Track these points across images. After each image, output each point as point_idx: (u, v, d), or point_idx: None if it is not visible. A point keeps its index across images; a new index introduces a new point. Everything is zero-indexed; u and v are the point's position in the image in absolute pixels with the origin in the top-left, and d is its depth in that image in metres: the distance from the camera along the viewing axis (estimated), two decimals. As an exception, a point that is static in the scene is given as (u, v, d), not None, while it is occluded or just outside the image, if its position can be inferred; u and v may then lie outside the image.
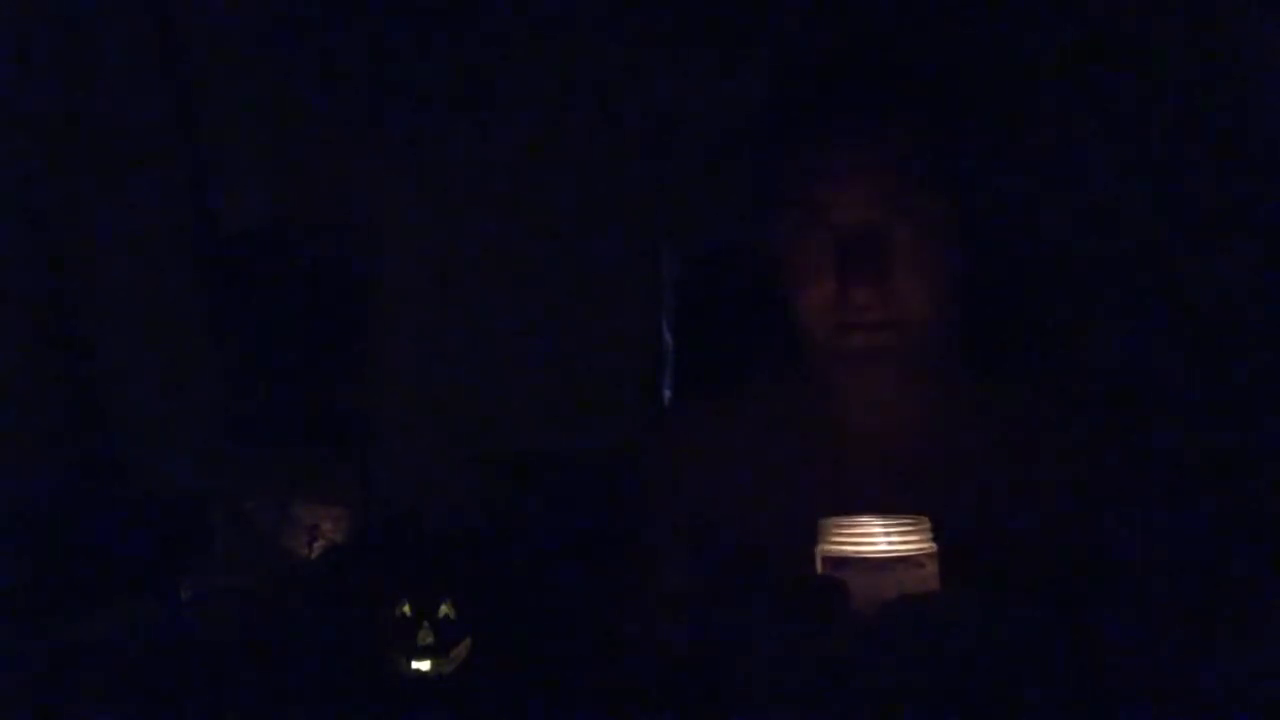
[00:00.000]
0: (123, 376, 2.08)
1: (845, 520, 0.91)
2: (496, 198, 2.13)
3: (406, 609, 1.82)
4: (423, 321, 2.14)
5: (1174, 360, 1.53)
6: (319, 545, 1.96)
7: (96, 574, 1.89)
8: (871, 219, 1.03)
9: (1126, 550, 1.06)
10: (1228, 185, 1.51)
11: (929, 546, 0.90)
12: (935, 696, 0.83)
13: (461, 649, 1.83)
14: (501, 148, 2.12)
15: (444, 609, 1.82)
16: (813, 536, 0.92)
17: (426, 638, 1.81)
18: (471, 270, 2.13)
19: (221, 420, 2.10)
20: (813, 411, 1.15)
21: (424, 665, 1.80)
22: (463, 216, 2.14)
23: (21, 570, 1.87)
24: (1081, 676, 0.94)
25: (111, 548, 1.93)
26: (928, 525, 0.91)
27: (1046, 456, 1.09)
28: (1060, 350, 1.69)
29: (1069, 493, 1.07)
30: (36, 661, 1.75)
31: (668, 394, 2.15)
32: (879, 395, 1.12)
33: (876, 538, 0.89)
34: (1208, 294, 1.51)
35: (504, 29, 2.11)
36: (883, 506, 0.91)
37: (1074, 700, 0.92)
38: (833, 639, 0.85)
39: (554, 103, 2.12)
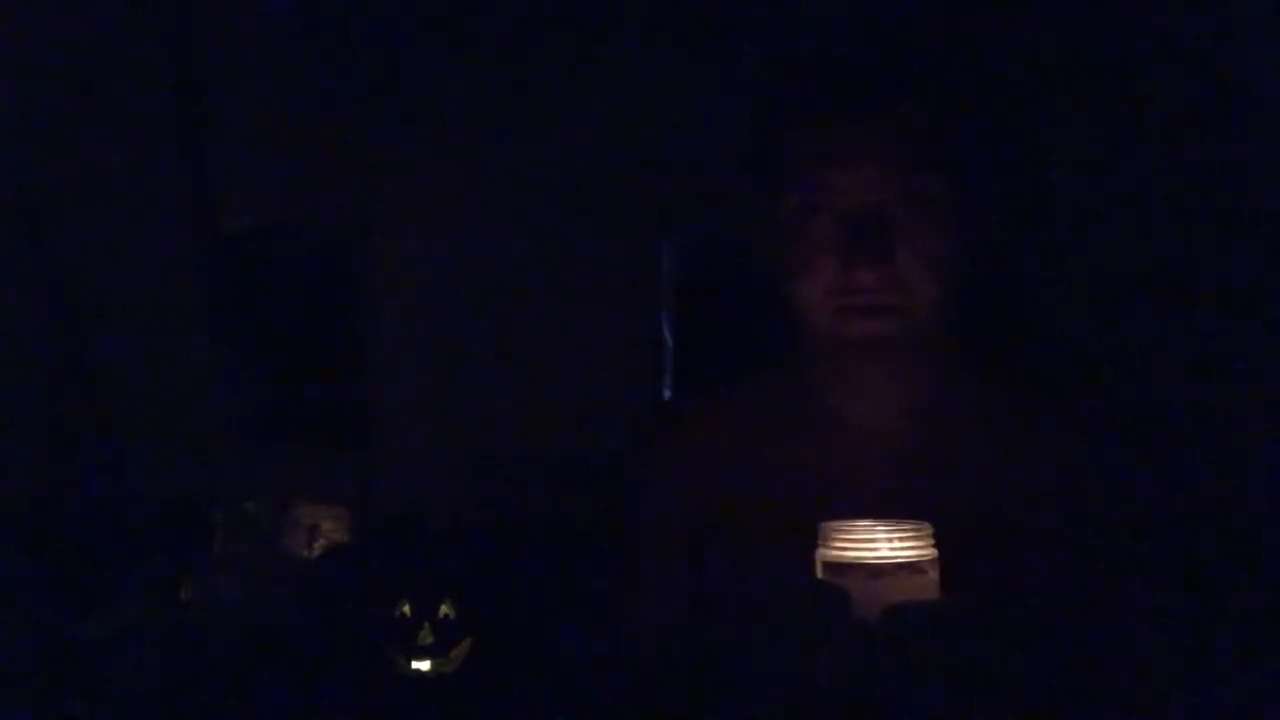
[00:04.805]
0: (124, 377, 2.08)
1: (846, 525, 0.90)
2: (496, 198, 2.13)
3: (406, 609, 1.82)
4: (423, 322, 2.14)
5: (1182, 357, 1.52)
6: (319, 545, 1.96)
7: (96, 574, 1.89)
8: (875, 210, 1.02)
9: (1130, 554, 1.06)
10: (1235, 179, 1.50)
11: (930, 552, 0.89)
12: (935, 703, 0.83)
13: (461, 649, 1.83)
14: (501, 147, 2.12)
15: (444, 609, 1.82)
16: (812, 540, 0.92)
17: (426, 638, 1.81)
18: (471, 270, 2.13)
19: (222, 420, 2.10)
20: (814, 412, 1.14)
21: (424, 665, 1.81)
22: (463, 217, 2.14)
23: (22, 570, 1.87)
24: (1082, 683, 0.94)
25: (111, 548, 1.93)
26: (929, 531, 0.90)
27: (1051, 459, 1.08)
28: (1065, 347, 1.68)
29: (1073, 496, 1.07)
30: (37, 661, 1.75)
31: (668, 394, 2.15)
32: (880, 396, 1.11)
33: (878, 543, 0.89)
34: (1217, 290, 1.51)
35: (503, 29, 2.10)
36: (884, 510, 0.91)
37: (1074, 707, 0.92)
38: (832, 645, 0.84)
39: (553, 102, 2.12)
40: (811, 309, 1.07)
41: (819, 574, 0.90)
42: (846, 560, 0.89)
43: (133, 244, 2.07)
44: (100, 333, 2.08)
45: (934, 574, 0.89)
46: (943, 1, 1.65)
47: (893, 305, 1.04)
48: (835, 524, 0.91)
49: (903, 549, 0.89)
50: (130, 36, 2.02)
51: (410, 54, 2.11)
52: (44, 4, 1.94)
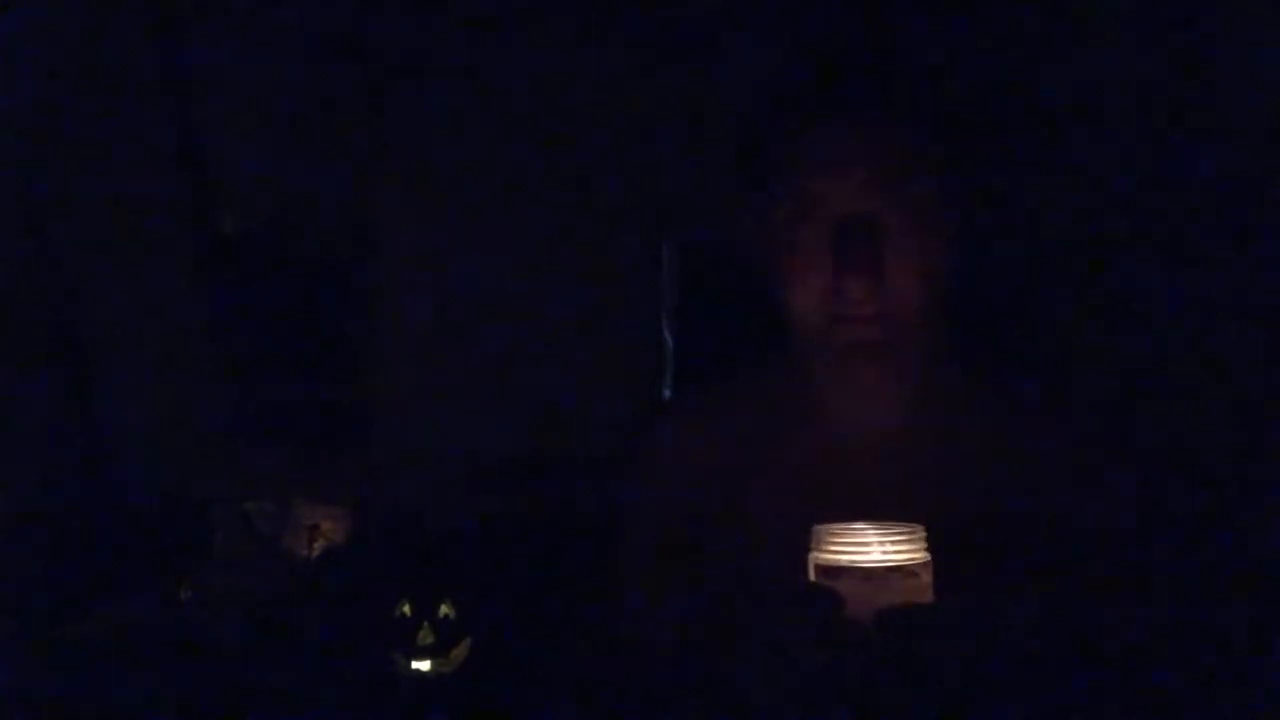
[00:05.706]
0: (124, 377, 2.08)
1: (839, 528, 0.89)
2: (496, 198, 2.13)
3: (406, 609, 1.82)
4: (423, 323, 2.14)
5: (1175, 358, 1.52)
6: (319, 545, 1.97)
7: (96, 574, 1.89)
8: (866, 214, 1.02)
9: (1125, 555, 1.06)
10: (1229, 182, 1.50)
11: (923, 556, 0.89)
12: (929, 707, 0.82)
13: (461, 649, 1.83)
14: (501, 148, 2.12)
15: (444, 609, 1.83)
16: (806, 543, 0.92)
17: (426, 638, 1.82)
18: (472, 271, 2.13)
19: (222, 421, 2.10)
20: (810, 415, 1.14)
21: (424, 665, 1.81)
22: (463, 218, 2.14)
23: (24, 570, 1.87)
24: (1076, 686, 0.94)
25: (111, 548, 1.94)
26: (922, 534, 0.89)
27: (1044, 458, 1.08)
28: (1058, 349, 1.68)
29: (1066, 496, 1.07)
30: (38, 660, 1.75)
31: (668, 394, 2.15)
32: (876, 399, 1.11)
33: (870, 546, 0.88)
34: (1206, 292, 1.51)
35: (504, 30, 2.10)
36: (878, 512, 0.91)
37: (1068, 710, 0.92)
38: (825, 649, 0.84)
39: (553, 103, 2.12)
40: (803, 315, 1.07)
41: (812, 577, 0.90)
42: (839, 564, 0.88)
43: (132, 244, 2.07)
44: (101, 334, 2.08)
45: (927, 577, 0.88)
46: (933, 8, 1.65)
47: (882, 312, 1.03)
48: (828, 527, 0.90)
49: (895, 552, 0.88)
50: (130, 36, 2.03)
51: (410, 55, 2.11)
52: (44, 5, 1.95)
